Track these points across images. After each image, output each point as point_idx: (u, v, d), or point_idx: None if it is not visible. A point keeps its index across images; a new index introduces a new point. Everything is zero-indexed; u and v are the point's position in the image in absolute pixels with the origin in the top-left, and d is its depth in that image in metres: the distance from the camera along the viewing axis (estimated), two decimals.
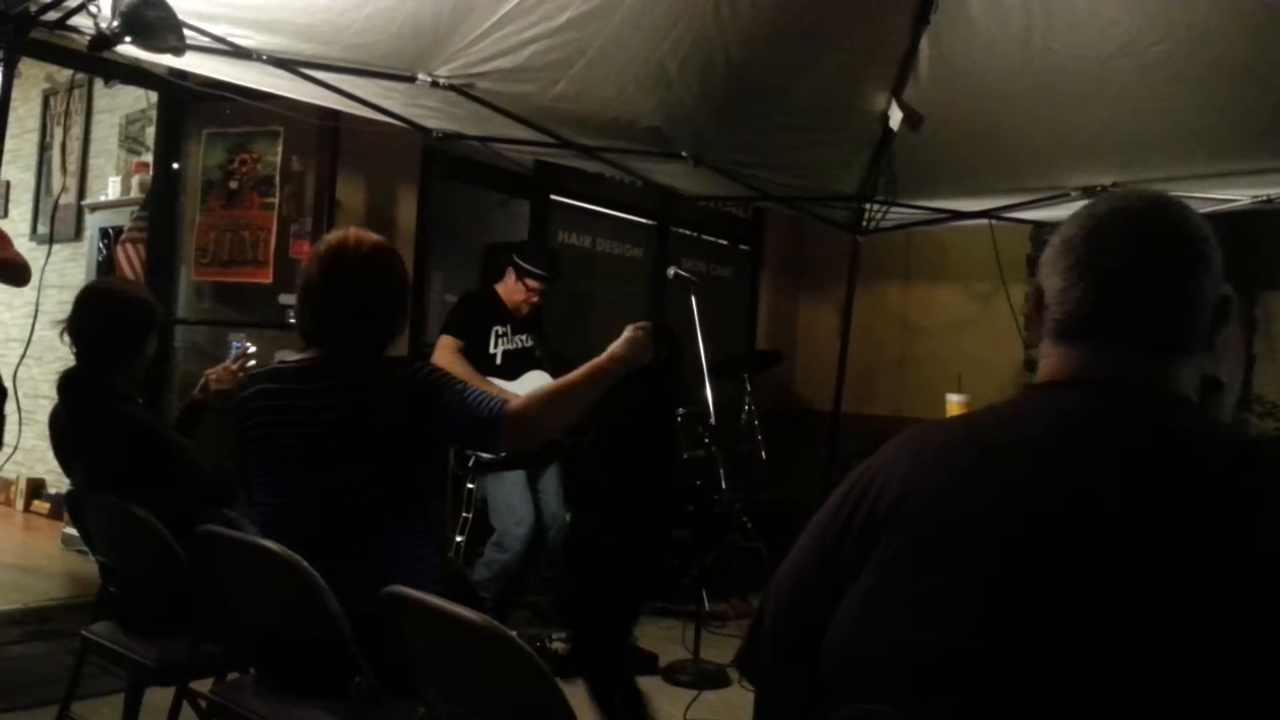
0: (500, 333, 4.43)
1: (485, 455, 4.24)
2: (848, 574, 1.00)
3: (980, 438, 1.04)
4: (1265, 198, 4.37)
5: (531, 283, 4.42)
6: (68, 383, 2.57)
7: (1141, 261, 1.04)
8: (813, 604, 1.04)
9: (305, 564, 1.77)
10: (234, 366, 2.85)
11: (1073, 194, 4.51)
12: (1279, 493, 0.91)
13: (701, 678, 3.75)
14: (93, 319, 2.59)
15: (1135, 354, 1.03)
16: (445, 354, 4.29)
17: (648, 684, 3.78)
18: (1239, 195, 4.40)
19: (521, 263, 4.45)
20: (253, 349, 3.09)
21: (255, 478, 2.12)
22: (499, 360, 4.40)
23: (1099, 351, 1.04)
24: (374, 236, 2.16)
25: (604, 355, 2.20)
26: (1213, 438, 0.99)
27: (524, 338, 4.51)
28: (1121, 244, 1.05)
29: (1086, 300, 1.05)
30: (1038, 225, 5.32)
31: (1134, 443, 0.96)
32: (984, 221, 5.29)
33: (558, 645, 3.89)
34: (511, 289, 4.46)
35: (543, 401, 2.10)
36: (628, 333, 2.24)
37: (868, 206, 5.24)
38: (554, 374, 4.37)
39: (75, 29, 2.96)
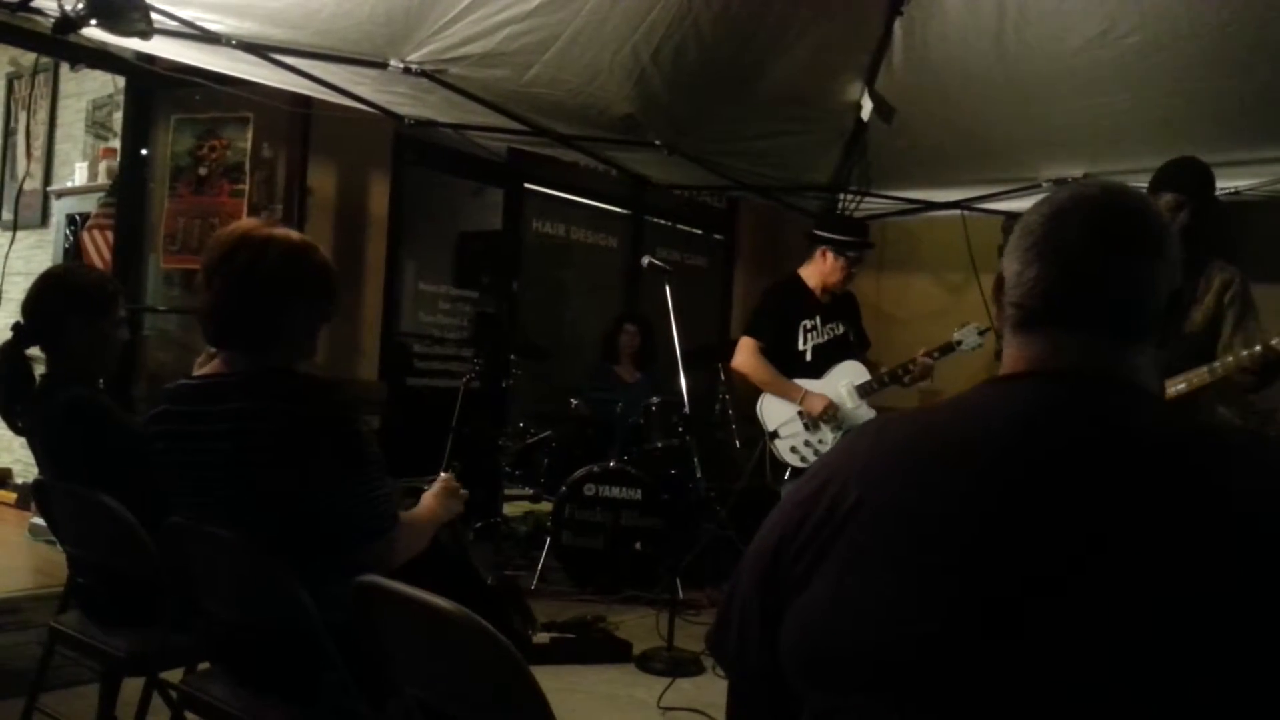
0: (809, 326, 4.16)
1: None
2: (803, 576, 1.00)
3: (939, 434, 1.04)
4: (1234, 190, 4.42)
5: (853, 254, 4.14)
6: (9, 360, 2.52)
7: (1096, 245, 1.04)
8: (769, 601, 1.04)
9: (273, 554, 1.75)
10: None
11: (1044, 185, 4.54)
12: (1245, 480, 0.91)
13: (675, 665, 3.76)
14: (44, 303, 2.53)
15: (1093, 343, 1.03)
16: (745, 356, 4.12)
17: (621, 672, 3.79)
18: None
19: (835, 236, 4.14)
20: None
21: (173, 502, 1.98)
22: (809, 357, 4.17)
23: (1056, 341, 1.04)
24: (275, 231, 1.93)
25: (426, 504, 2.16)
26: (1173, 427, 0.99)
27: (835, 326, 4.24)
28: (1077, 228, 1.05)
29: (1041, 281, 1.05)
30: (1009, 216, 5.34)
31: (1094, 434, 0.96)
32: (956, 212, 5.33)
33: (530, 631, 3.88)
34: (830, 269, 4.15)
35: (410, 535, 2.02)
36: (440, 483, 2.18)
37: (841, 196, 5.27)
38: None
39: (39, 11, 2.92)
